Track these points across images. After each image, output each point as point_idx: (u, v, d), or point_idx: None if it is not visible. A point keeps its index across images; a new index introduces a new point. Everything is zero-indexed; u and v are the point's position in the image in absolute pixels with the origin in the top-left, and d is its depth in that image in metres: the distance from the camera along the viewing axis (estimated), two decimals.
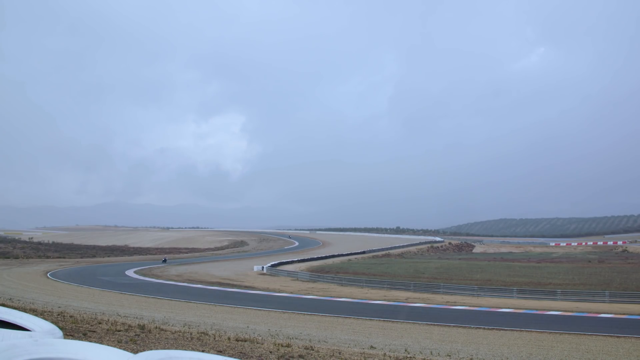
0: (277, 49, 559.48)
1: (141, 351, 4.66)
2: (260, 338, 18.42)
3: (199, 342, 15.15)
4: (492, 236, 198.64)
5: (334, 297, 42.42)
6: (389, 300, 39.75)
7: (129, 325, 17.95)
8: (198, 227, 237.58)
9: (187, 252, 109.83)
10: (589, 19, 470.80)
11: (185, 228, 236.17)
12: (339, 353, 15.65)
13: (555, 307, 35.55)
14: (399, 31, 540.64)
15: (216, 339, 16.40)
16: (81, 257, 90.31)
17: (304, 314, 31.92)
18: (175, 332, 17.48)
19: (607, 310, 34.37)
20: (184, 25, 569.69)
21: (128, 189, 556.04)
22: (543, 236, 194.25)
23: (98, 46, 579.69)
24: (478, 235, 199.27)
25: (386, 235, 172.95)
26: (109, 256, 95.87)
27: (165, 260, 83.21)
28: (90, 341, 10.38)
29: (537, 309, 34.92)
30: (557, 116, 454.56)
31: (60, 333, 5.01)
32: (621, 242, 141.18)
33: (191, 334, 17.27)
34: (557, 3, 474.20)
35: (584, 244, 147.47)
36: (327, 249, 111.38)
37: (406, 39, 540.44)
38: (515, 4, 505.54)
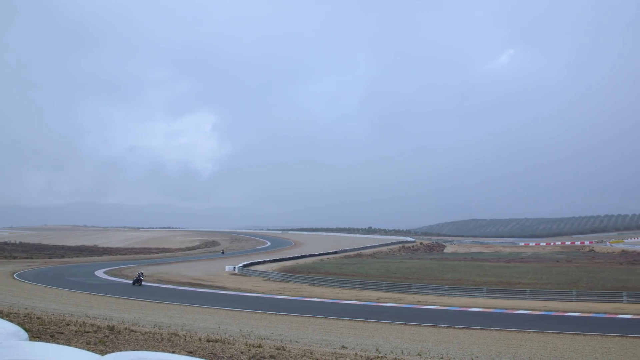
0: (248, 47, 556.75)
1: (110, 352, 4.58)
2: (231, 338, 18.32)
3: (169, 343, 15.01)
4: (462, 236, 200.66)
5: (305, 297, 42.40)
6: (360, 300, 39.85)
7: (98, 327, 17.70)
8: (169, 227, 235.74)
9: (158, 253, 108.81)
10: (559, 20, 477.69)
11: (156, 228, 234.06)
12: (311, 353, 15.63)
13: (524, 306, 36.01)
14: (371, 32, 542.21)
15: (187, 339, 16.26)
16: (49, 258, 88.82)
17: (276, 314, 31.84)
18: (146, 333, 17.29)
19: (574, 309, 34.92)
20: (153, 22, 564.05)
21: (97, 188, 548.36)
22: (512, 236, 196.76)
23: (65, 43, 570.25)
24: (449, 236, 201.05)
25: (358, 235, 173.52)
26: (78, 257, 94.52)
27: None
28: (58, 343, 10.20)
29: (506, 308, 35.33)
30: (526, 118, 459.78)
31: (25, 335, 4.90)
32: (588, 242, 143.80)
33: (162, 334, 17.10)
34: (527, 4, 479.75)
35: (552, 244, 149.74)
36: (299, 249, 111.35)
37: (378, 39, 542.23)
38: (486, 6, 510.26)
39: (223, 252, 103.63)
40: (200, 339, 16.54)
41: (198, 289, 48.01)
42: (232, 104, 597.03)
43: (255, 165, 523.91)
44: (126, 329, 18.13)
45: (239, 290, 47.04)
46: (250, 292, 44.95)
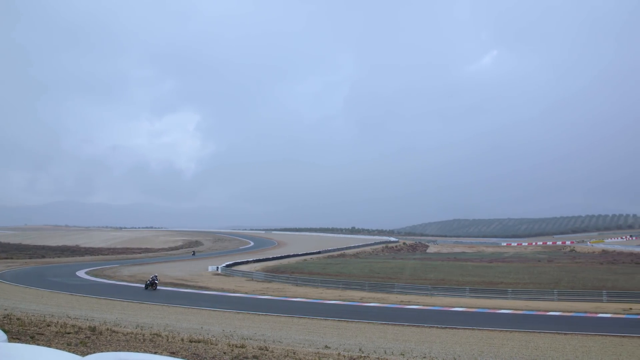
0: (233, 47, 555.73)
1: (91, 353, 4.54)
2: (214, 339, 18.26)
3: (151, 343, 14.93)
4: (445, 236, 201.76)
5: (289, 297, 42.37)
6: (344, 300, 39.90)
7: (79, 327, 17.56)
8: (152, 227, 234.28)
9: (140, 253, 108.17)
10: (542, 22, 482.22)
11: (139, 228, 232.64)
12: (294, 353, 15.63)
13: (506, 306, 36.27)
14: (356, 33, 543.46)
15: (169, 340, 16.19)
16: (30, 258, 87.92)
17: (259, 314, 31.79)
18: (127, 333, 17.18)
19: (555, 308, 35.23)
20: (137, 21, 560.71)
21: (80, 187, 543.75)
22: (495, 236, 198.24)
23: (48, 41, 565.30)
24: (432, 236, 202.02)
25: (342, 235, 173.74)
26: (59, 257, 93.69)
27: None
28: (38, 344, 10.11)
29: (488, 308, 35.56)
30: (509, 120, 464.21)
31: (4, 336, 4.85)
32: (569, 242, 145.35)
33: (144, 335, 17.00)
34: (511, 7, 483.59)
35: (534, 243, 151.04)
36: (283, 249, 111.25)
37: (363, 40, 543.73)
38: (471, 7, 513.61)
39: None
40: (182, 340, 16.48)
41: (181, 289, 47.78)
42: (216, 103, 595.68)
43: (239, 164, 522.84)
44: (108, 329, 18.01)
45: (222, 290, 46.88)
46: (234, 292, 44.82)
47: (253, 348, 15.92)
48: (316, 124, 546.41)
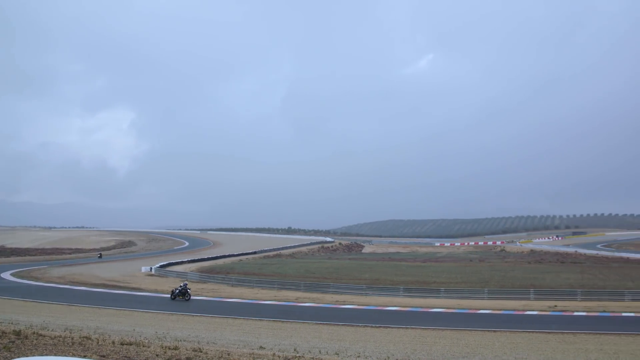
0: (170, 43, 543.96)
1: (15, 359, 4.41)
2: (146, 341, 17.95)
3: (80, 347, 14.54)
4: (381, 236, 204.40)
5: (224, 297, 42.04)
6: (279, 300, 39.89)
7: (3, 332, 16.93)
8: (83, 227, 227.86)
9: (70, 253, 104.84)
10: (477, 27, 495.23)
11: (70, 227, 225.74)
12: (228, 354, 15.55)
13: (438, 305, 37.09)
14: (294, 33, 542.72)
15: (99, 343, 15.81)
16: None
17: (193, 316, 31.45)
18: (55, 337, 16.68)
19: (486, 306, 36.28)
20: (68, 15, 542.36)
21: (6, 185, 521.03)
22: (429, 237, 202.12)
23: None
24: (368, 236, 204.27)
25: (278, 235, 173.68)
26: None
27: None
28: None
29: (422, 307, 36.30)
30: (444, 122, 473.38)
31: None
32: (500, 242, 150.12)
33: (72, 338, 16.54)
34: (447, 11, 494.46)
35: (466, 244, 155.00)
36: (218, 249, 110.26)
37: (301, 40, 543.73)
38: (408, 10, 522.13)
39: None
40: (113, 342, 16.13)
41: (112, 290, 46.68)
42: (152, 100, 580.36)
43: (174, 163, 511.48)
44: (34, 333, 17.42)
45: (156, 291, 46.08)
46: (168, 294, 44.09)
47: (187, 350, 15.74)
48: (253, 122, 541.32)
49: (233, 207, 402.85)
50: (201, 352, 15.48)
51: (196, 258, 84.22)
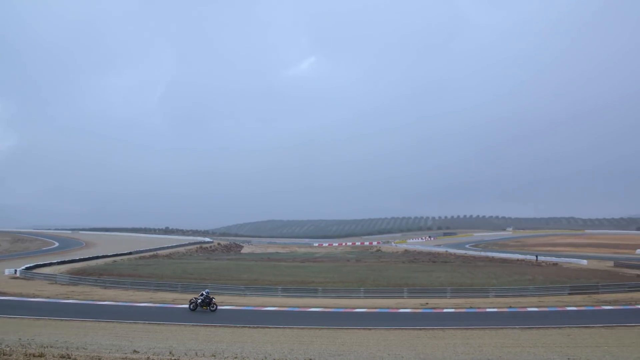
0: (41, 34, 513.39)
1: None
2: (8, 349, 16.84)
3: None
4: (260, 237, 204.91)
5: (96, 300, 40.25)
6: (155, 302, 38.88)
7: None
8: None
9: None
10: (357, 32, 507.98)
11: None
12: (99, 359, 14.92)
13: (316, 304, 37.69)
14: (176, 29, 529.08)
15: None
16: None
17: (62, 320, 29.86)
18: None
19: (362, 305, 37.35)
20: None
21: None
22: (308, 237, 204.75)
23: None
24: (247, 236, 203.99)
25: (155, 235, 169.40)
26: None
27: None
28: None
29: (300, 307, 36.73)
30: (324, 123, 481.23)
31: None
32: (376, 243, 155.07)
33: None
34: (328, 15, 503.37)
35: (344, 244, 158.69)
36: (91, 250, 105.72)
37: (183, 38, 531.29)
38: (292, 13, 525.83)
39: None
40: None
41: None
42: (19, 93, 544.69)
43: (44, 159, 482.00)
44: None
45: (20, 295, 43.27)
46: (33, 297, 41.60)
47: (54, 356, 14.97)
48: (130, 119, 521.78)
49: (108, 206, 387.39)
50: (69, 358, 14.80)
51: (67, 259, 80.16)
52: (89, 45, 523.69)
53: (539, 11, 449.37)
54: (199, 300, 34.56)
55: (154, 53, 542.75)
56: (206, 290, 36.03)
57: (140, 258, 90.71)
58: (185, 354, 18.93)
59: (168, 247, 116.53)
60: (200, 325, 28.53)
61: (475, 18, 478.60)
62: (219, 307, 34.80)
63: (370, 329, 26.96)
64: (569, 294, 42.34)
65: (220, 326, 28.53)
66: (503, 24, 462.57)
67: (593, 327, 27.75)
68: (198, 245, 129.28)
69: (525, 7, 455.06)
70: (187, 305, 35.09)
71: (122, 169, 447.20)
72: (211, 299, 34.71)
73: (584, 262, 76.48)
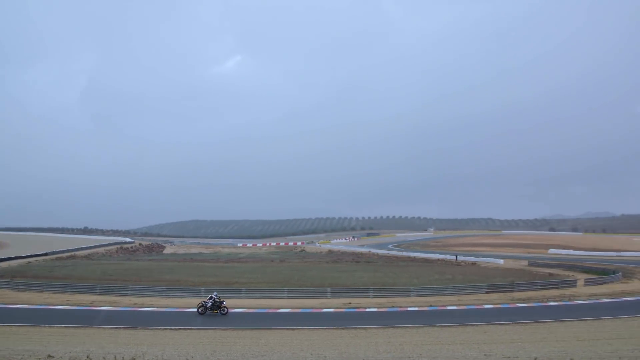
0: None
1: None
2: None
3: None
4: (183, 237, 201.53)
5: (8, 304, 38.42)
6: (72, 305, 37.55)
7: None
8: None
9: None
10: (283, 33, 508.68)
11: None
12: None
13: (239, 305, 37.39)
14: (97, 23, 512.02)
15: None
16: None
17: None
18: None
19: (285, 305, 37.37)
20: None
21: None
22: (232, 237, 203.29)
23: None
24: (170, 236, 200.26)
25: (73, 235, 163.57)
26: None
27: None
28: None
29: None
30: (248, 123, 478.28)
31: None
32: (300, 243, 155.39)
33: None
34: (254, 14, 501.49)
35: (268, 244, 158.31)
36: (2, 251, 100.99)
37: (105, 32, 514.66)
38: (219, 11, 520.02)
39: None
40: None
41: None
42: None
43: None
44: None
45: None
46: None
47: None
48: (47, 114, 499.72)
49: (21, 205, 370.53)
50: None
51: None
52: (6, 37, 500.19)
53: (463, 19, 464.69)
54: (208, 304, 33.23)
55: (73, 48, 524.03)
56: (214, 293, 34.39)
57: (57, 259, 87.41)
58: (104, 358, 18.37)
59: (87, 248, 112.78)
60: (120, 328, 27.80)
61: (401, 23, 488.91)
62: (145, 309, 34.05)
63: (293, 329, 27.04)
64: (487, 292, 43.90)
65: (140, 328, 27.89)
66: (428, 30, 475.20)
67: (508, 324, 29.04)
68: (119, 246, 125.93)
69: (449, 13, 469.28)
70: (107, 307, 34.12)
71: (37, 166, 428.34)
72: (221, 302, 33.45)
73: (501, 261, 79.54)
